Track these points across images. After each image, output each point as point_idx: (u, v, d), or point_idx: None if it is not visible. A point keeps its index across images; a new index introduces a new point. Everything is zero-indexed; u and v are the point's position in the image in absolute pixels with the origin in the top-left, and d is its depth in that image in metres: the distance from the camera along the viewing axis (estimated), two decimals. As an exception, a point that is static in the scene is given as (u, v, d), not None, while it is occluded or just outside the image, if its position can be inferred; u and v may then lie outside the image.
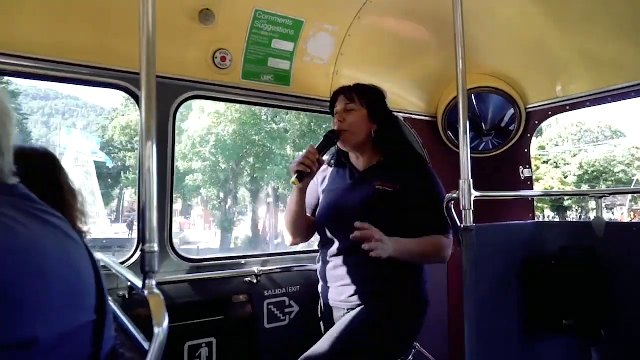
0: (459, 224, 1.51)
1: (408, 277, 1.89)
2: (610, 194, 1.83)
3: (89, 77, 1.81)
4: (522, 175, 2.78)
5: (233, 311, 2.09)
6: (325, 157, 2.04)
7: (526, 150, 2.78)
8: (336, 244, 1.92)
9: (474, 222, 1.47)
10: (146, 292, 0.97)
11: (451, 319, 2.83)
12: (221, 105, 19.45)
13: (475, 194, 1.47)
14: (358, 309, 1.83)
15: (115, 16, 1.82)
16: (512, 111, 2.71)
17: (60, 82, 1.79)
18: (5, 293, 0.69)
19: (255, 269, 2.19)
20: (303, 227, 2.04)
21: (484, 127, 2.76)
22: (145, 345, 0.96)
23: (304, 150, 1.89)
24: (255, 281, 2.17)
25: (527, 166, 2.78)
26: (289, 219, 2.03)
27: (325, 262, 1.97)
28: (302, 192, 1.96)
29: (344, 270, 1.88)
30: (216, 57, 2.09)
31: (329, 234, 1.95)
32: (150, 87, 1.07)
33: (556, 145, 19.51)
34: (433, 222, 1.83)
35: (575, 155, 18.76)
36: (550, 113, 2.65)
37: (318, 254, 2.06)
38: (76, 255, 0.86)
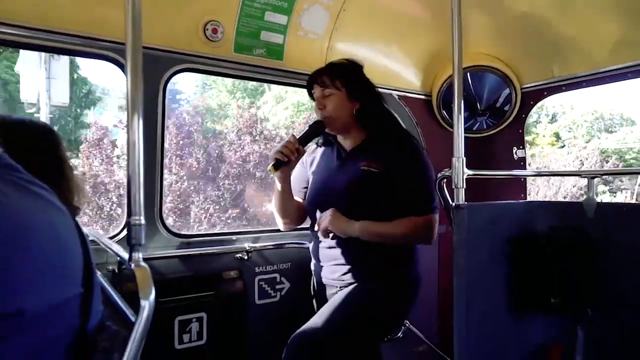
0: (450, 202, 1.51)
1: (400, 256, 1.90)
2: (602, 175, 1.83)
3: (75, 47, 1.76)
4: (515, 155, 2.78)
5: (224, 287, 2.09)
6: (312, 142, 2.03)
7: (520, 131, 2.77)
8: None
9: (465, 201, 1.47)
10: (133, 265, 0.96)
11: (441, 296, 2.87)
12: (303, 97, 19.24)
13: (467, 172, 1.46)
14: (351, 286, 1.85)
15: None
16: (507, 91, 2.69)
17: (46, 52, 1.74)
18: None
19: (246, 245, 2.19)
20: (292, 212, 2.04)
21: (479, 106, 2.74)
22: (133, 318, 0.95)
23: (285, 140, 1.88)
24: (246, 257, 2.17)
25: (521, 147, 2.78)
26: (276, 207, 2.03)
27: (317, 242, 1.98)
28: (285, 181, 1.95)
29: (336, 249, 1.89)
30: (207, 29, 2.03)
31: (319, 215, 1.94)
32: (136, 58, 1.04)
33: (569, 131, 19.78)
34: (417, 199, 1.83)
35: (588, 141, 19.09)
36: (545, 93, 2.63)
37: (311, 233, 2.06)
38: (61, 227, 0.85)
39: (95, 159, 8.73)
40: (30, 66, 8.68)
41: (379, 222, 1.81)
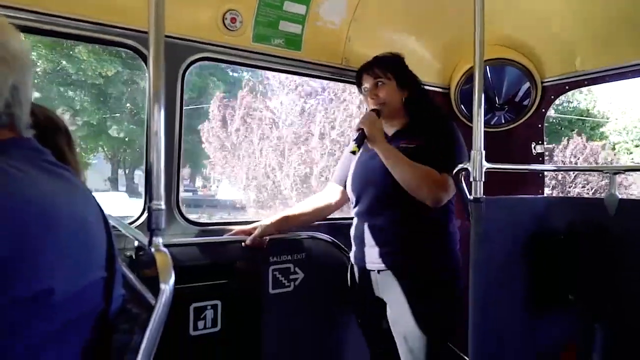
0: (468, 195, 1.50)
1: (440, 238, 1.95)
2: (625, 171, 1.80)
3: (95, 34, 1.77)
4: (534, 151, 2.74)
5: (238, 275, 2.11)
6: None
7: (540, 126, 2.72)
8: (366, 208, 1.99)
9: (484, 195, 1.45)
10: (153, 249, 0.98)
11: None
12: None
13: (486, 165, 1.45)
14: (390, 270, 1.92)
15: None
16: (527, 85, 2.65)
17: (66, 39, 1.75)
18: (21, 244, 0.68)
19: None
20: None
21: (498, 100, 2.70)
22: (152, 301, 0.97)
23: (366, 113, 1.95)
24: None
25: (540, 142, 2.73)
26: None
27: (357, 226, 2.05)
28: None
29: (375, 232, 1.96)
30: (226, 18, 2.03)
31: (359, 198, 2.03)
32: (159, 47, 1.05)
33: (619, 135, 20.32)
34: (440, 158, 1.85)
35: (637, 146, 19.54)
36: (567, 88, 2.58)
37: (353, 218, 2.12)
38: (85, 211, 0.86)
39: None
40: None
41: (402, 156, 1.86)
